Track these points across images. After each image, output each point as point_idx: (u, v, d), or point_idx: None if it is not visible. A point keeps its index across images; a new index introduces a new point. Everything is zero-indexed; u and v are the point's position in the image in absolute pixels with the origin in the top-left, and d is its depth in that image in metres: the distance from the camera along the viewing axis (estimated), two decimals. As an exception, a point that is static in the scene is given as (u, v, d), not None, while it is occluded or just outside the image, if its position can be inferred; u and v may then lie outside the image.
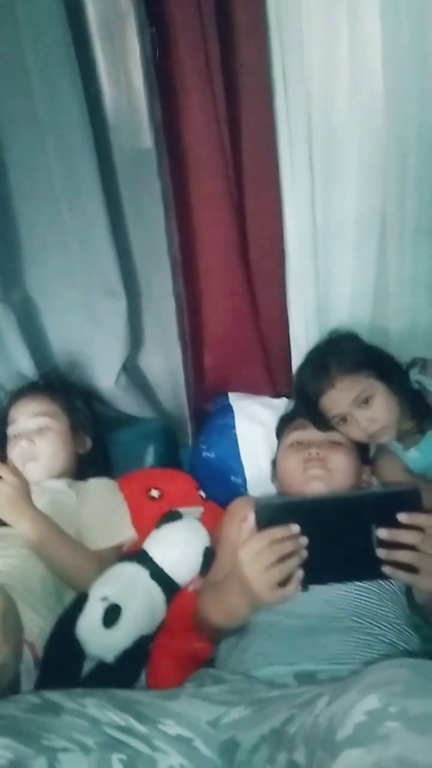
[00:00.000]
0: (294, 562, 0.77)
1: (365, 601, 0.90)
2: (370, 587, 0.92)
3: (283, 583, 0.77)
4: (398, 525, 0.76)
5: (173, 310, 1.34)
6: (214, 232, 1.29)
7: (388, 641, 0.87)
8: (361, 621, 0.87)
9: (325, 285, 1.39)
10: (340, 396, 1.10)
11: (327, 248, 1.36)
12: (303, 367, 1.21)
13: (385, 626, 0.88)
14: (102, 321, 1.35)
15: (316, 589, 0.89)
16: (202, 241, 1.32)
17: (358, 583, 0.92)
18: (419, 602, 0.94)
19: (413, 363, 1.19)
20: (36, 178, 1.28)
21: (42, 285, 1.40)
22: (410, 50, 1.15)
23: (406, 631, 0.90)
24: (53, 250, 1.34)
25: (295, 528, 0.77)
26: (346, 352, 1.14)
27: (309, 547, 0.77)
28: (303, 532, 0.77)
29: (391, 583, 0.96)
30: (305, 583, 0.78)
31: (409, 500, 0.76)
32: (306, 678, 0.79)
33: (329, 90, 1.22)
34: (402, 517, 0.75)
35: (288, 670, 0.82)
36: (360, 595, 0.91)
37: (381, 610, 0.90)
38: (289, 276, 1.36)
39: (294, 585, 0.77)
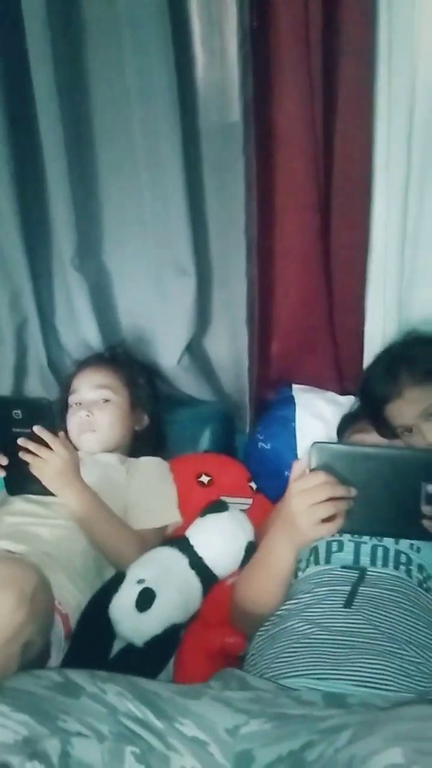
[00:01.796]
0: (341, 504, 0.77)
1: (411, 626, 0.85)
2: (419, 613, 0.86)
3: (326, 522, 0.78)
4: None
5: (244, 292, 1.29)
6: (296, 215, 1.23)
7: (429, 672, 0.81)
8: (403, 647, 0.81)
9: (410, 281, 1.30)
10: (407, 407, 1.02)
11: (417, 242, 1.26)
12: (372, 368, 1.14)
13: (427, 655, 0.82)
14: (171, 298, 1.32)
15: (360, 606, 0.86)
16: (282, 223, 1.25)
17: (405, 608, 0.86)
18: None
19: None
20: (119, 147, 1.27)
21: (117, 257, 1.39)
22: None
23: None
24: (130, 223, 1.33)
25: (347, 475, 0.78)
26: (419, 359, 1.06)
27: (358, 496, 0.78)
28: (354, 480, 0.78)
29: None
30: (347, 529, 0.80)
31: None
32: (335, 701, 0.74)
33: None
34: None
35: (316, 684, 0.78)
36: (406, 619, 0.85)
37: (426, 638, 0.84)
38: (372, 268, 1.28)
39: (337, 523, 0.78)
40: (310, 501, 0.78)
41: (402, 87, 1.13)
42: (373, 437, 1.11)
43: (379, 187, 1.20)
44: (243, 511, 1.15)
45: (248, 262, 1.26)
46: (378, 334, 1.33)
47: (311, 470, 0.79)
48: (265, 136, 1.19)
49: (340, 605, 0.86)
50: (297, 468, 0.82)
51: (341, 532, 0.80)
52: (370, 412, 1.10)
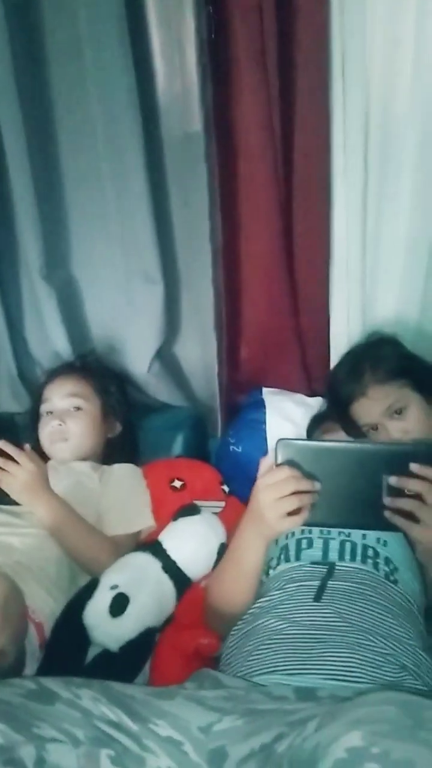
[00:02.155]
0: (306, 498, 0.80)
1: (379, 618, 0.87)
2: (386, 605, 0.89)
3: (292, 515, 0.81)
4: (410, 476, 0.80)
5: (211, 298, 1.32)
6: (259, 221, 1.26)
7: (398, 663, 0.83)
8: (371, 639, 0.83)
9: (372, 283, 1.34)
10: (371, 405, 1.05)
11: (377, 245, 1.30)
12: (337, 369, 1.17)
13: (396, 647, 0.84)
14: (139, 306, 1.34)
15: (329, 600, 0.88)
16: (245, 229, 1.28)
17: (373, 600, 0.88)
18: (421, 560, 0.92)
19: None
20: (83, 158, 1.29)
21: (85, 267, 1.40)
22: None
23: (418, 654, 0.86)
24: (96, 233, 1.34)
25: (312, 470, 0.81)
26: (382, 359, 1.09)
27: (322, 489, 0.81)
28: (318, 474, 0.81)
29: (409, 602, 0.93)
30: (312, 522, 0.82)
31: (425, 457, 0.80)
32: (306, 695, 0.76)
33: (389, 82, 1.16)
34: (414, 466, 0.80)
35: (288, 680, 0.80)
36: (374, 611, 0.87)
37: (395, 630, 0.86)
38: (334, 272, 1.31)
39: (302, 516, 0.80)
40: (276, 495, 0.81)
41: (356, 93, 1.16)
42: (340, 436, 1.13)
43: (338, 191, 1.23)
44: (216, 513, 1.17)
45: (214, 268, 1.29)
46: (343, 335, 1.36)
47: (277, 466, 0.82)
48: (226, 144, 1.22)
49: (310, 600, 0.88)
50: (264, 464, 0.85)
51: (307, 524, 0.83)
52: (336, 412, 1.13)
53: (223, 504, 1.23)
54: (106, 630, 0.91)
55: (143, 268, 1.29)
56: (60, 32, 1.19)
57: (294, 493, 0.80)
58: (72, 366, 1.36)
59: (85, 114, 1.22)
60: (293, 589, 0.91)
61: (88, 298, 1.43)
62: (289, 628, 0.86)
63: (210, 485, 1.27)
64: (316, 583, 0.90)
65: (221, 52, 1.15)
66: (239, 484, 1.29)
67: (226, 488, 1.28)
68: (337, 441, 0.97)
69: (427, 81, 1.14)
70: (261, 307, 1.36)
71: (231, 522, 1.13)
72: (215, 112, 1.18)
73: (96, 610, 0.93)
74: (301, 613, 0.87)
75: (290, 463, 0.82)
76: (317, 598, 0.88)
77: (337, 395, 1.12)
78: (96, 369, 1.35)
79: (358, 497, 0.82)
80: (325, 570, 0.93)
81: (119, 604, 0.92)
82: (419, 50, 1.12)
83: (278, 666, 0.82)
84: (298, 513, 0.81)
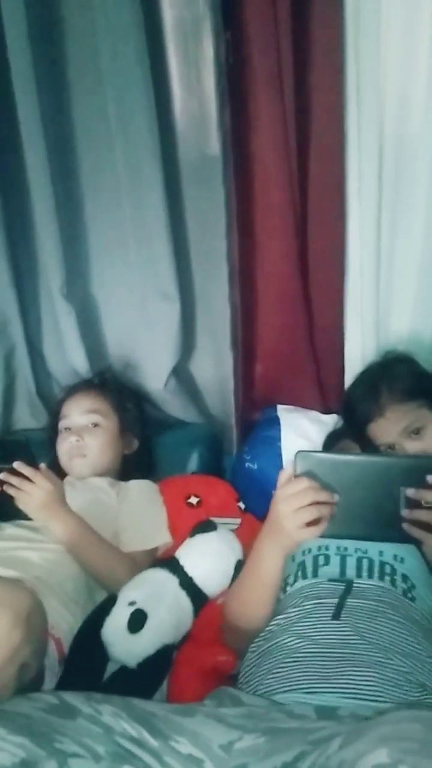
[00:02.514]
0: (325, 509, 0.82)
1: (398, 636, 0.86)
2: (405, 622, 0.88)
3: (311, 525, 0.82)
4: (427, 488, 0.81)
5: (228, 316, 1.33)
6: (275, 242, 1.28)
7: (418, 682, 0.83)
8: (391, 657, 0.83)
9: (386, 301, 1.35)
10: (388, 425, 1.06)
11: (391, 264, 1.32)
12: (353, 388, 1.18)
13: (415, 665, 0.84)
14: (156, 324, 1.36)
15: (347, 618, 0.88)
16: (261, 249, 1.30)
17: (392, 618, 0.88)
18: None
19: None
20: (103, 177, 1.31)
21: (103, 284, 1.42)
22: None
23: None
24: (115, 251, 1.37)
25: (330, 482, 0.83)
26: (398, 379, 1.09)
27: (340, 501, 0.82)
28: (337, 486, 0.82)
29: (427, 620, 0.92)
30: (331, 533, 0.84)
31: None
32: (327, 713, 0.76)
33: (404, 103, 1.18)
34: (430, 478, 0.80)
35: (308, 699, 0.80)
36: (393, 629, 0.87)
37: (414, 647, 0.86)
38: (349, 290, 1.32)
39: (321, 526, 0.82)
40: (295, 505, 0.82)
41: (371, 115, 1.18)
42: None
43: (352, 211, 1.25)
44: (232, 530, 1.17)
45: (231, 287, 1.31)
46: (358, 353, 1.37)
47: (295, 477, 0.83)
48: (243, 167, 1.25)
49: (328, 618, 0.88)
50: (283, 476, 0.86)
51: (325, 536, 0.84)
52: (352, 431, 1.14)
53: (239, 521, 1.23)
54: (125, 646, 0.92)
55: (160, 286, 1.31)
56: (81, 57, 1.22)
57: (312, 504, 0.82)
58: (90, 383, 1.38)
59: (105, 137, 1.25)
60: (311, 606, 0.91)
61: (106, 316, 1.45)
62: (308, 646, 0.86)
63: (226, 502, 1.27)
64: (335, 600, 0.90)
65: (238, 77, 1.18)
66: (255, 500, 1.30)
67: (242, 505, 1.28)
68: (355, 454, 0.98)
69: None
70: (276, 326, 1.37)
71: (247, 539, 1.14)
72: (233, 135, 1.21)
73: (114, 627, 0.93)
74: (320, 631, 0.87)
75: (309, 474, 0.83)
76: (336, 615, 0.88)
77: (354, 414, 1.13)
78: (113, 386, 1.36)
79: (375, 509, 0.83)
80: (342, 587, 0.93)
81: (137, 621, 0.92)
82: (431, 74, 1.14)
83: (298, 684, 0.82)
84: (316, 524, 0.83)
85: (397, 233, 1.29)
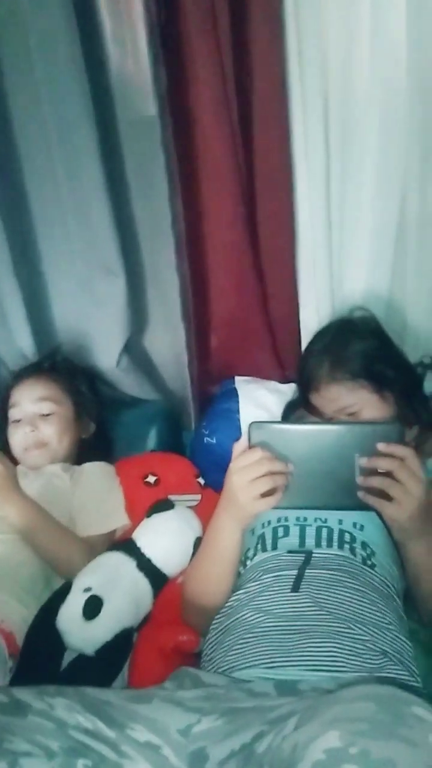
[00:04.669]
0: (279, 479, 0.81)
1: (358, 605, 0.85)
2: (365, 591, 0.87)
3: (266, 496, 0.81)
4: (380, 455, 0.80)
5: (177, 288, 1.29)
6: (222, 207, 1.23)
7: (379, 649, 0.82)
8: (351, 626, 0.82)
9: (339, 265, 1.32)
10: (324, 402, 1.03)
11: (342, 227, 1.28)
12: (305, 353, 1.14)
13: (376, 634, 0.83)
14: (102, 300, 1.30)
15: (307, 589, 0.86)
16: (208, 216, 1.25)
17: (351, 586, 0.87)
18: (396, 540, 0.90)
19: (429, 365, 1.11)
20: (36, 145, 1.23)
21: (49, 262, 1.36)
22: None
23: (398, 638, 0.85)
24: (56, 226, 1.30)
25: (285, 452, 0.81)
26: (345, 354, 1.03)
27: (295, 470, 0.81)
28: (291, 455, 0.81)
29: (387, 587, 0.91)
30: (286, 503, 0.82)
31: (392, 434, 0.81)
32: (287, 689, 0.74)
33: (348, 57, 1.13)
34: (381, 446, 0.80)
35: (269, 674, 0.78)
36: (352, 597, 0.86)
37: (374, 616, 0.85)
38: (301, 255, 1.29)
39: (276, 497, 0.81)
40: (249, 477, 0.81)
41: (314, 76, 1.13)
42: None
43: (300, 175, 1.21)
44: (192, 507, 1.15)
45: (178, 257, 1.26)
46: (313, 319, 1.34)
47: (249, 448, 0.82)
48: (184, 128, 1.19)
49: (288, 590, 0.87)
50: (237, 448, 0.84)
51: (282, 507, 0.83)
52: (301, 399, 1.11)
53: (199, 497, 1.21)
54: (81, 634, 0.89)
55: (103, 261, 1.25)
56: (4, 22, 1.13)
57: (267, 475, 0.80)
58: (40, 367, 1.31)
59: (33, 101, 1.17)
60: (270, 579, 0.89)
61: (54, 294, 1.39)
62: (267, 620, 0.84)
63: (185, 478, 1.24)
64: (294, 572, 0.89)
65: (174, 34, 1.11)
66: (215, 475, 1.26)
67: (201, 481, 1.25)
68: (308, 422, 0.96)
69: (385, 63, 1.11)
70: (228, 295, 1.33)
71: (208, 515, 1.10)
72: (171, 95, 1.15)
73: (69, 615, 0.90)
74: (279, 604, 0.85)
75: (263, 445, 0.82)
76: (295, 587, 0.87)
77: (302, 382, 1.10)
78: (65, 369, 1.30)
79: (331, 478, 0.82)
80: (302, 558, 0.91)
81: (93, 607, 0.89)
82: (376, 31, 1.09)
83: (258, 660, 0.80)
84: (271, 494, 0.81)
85: (346, 195, 1.25)
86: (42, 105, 1.16)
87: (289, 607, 0.84)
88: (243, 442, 0.84)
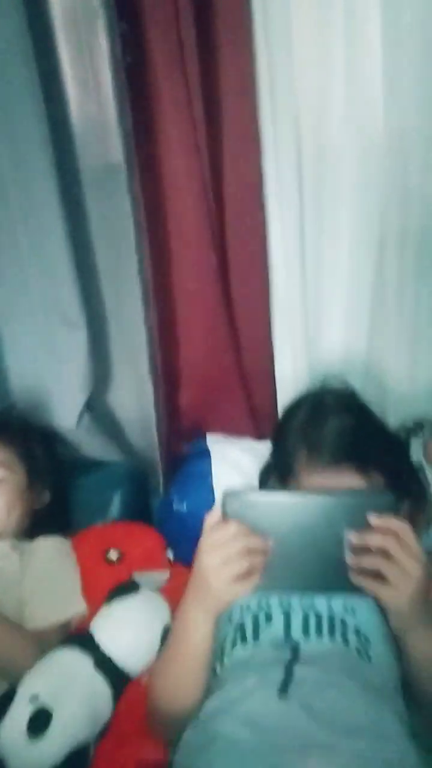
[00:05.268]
0: (257, 558, 0.70)
1: (356, 710, 0.73)
2: (362, 692, 0.75)
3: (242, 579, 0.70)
4: (371, 530, 0.70)
5: (144, 340, 1.19)
6: (191, 254, 1.15)
7: (382, 759, 0.69)
8: (348, 740, 0.69)
9: (316, 316, 1.24)
10: (306, 485, 0.90)
11: (318, 275, 1.21)
12: (278, 435, 1.00)
13: (376, 744, 0.70)
14: (61, 354, 1.19)
15: (296, 694, 0.73)
16: (177, 264, 1.17)
17: (347, 688, 0.74)
18: (394, 629, 0.78)
19: (412, 429, 1.02)
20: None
21: (4, 312, 1.25)
22: (413, 54, 1.01)
23: (403, 746, 0.72)
24: (13, 276, 1.20)
25: (264, 527, 0.71)
26: (321, 438, 0.90)
27: (276, 548, 0.71)
28: (271, 530, 0.71)
29: (385, 680, 0.79)
30: (266, 587, 0.72)
31: (385, 504, 0.71)
32: None
33: (321, 97, 1.08)
34: (373, 518, 0.70)
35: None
36: (348, 702, 0.73)
37: (373, 722, 0.72)
38: (275, 305, 1.21)
39: (252, 579, 0.70)
40: (222, 555, 0.70)
41: (287, 118, 1.08)
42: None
43: (273, 221, 1.15)
44: (160, 587, 1.01)
45: (145, 306, 1.16)
46: (289, 372, 1.26)
47: (223, 521, 0.71)
48: (151, 174, 1.11)
49: (274, 696, 0.73)
50: (209, 521, 0.73)
51: (260, 590, 0.71)
52: (280, 479, 0.99)
53: (167, 574, 1.07)
54: (25, 755, 0.73)
55: (63, 311, 1.15)
56: None
57: (243, 553, 0.70)
58: None
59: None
60: (253, 682, 0.76)
61: (8, 346, 1.28)
62: (251, 737, 0.70)
63: (151, 552, 1.11)
64: (280, 672, 0.76)
65: (138, 75, 1.05)
66: (186, 547, 1.12)
67: (170, 554, 1.12)
68: (290, 493, 0.84)
69: (360, 110, 1.07)
70: (199, 346, 1.24)
71: (178, 595, 0.98)
72: (137, 140, 1.08)
73: (10, 733, 0.75)
74: (264, 714, 0.72)
75: (239, 517, 0.71)
76: (282, 692, 0.73)
77: (276, 466, 0.99)
78: (19, 430, 1.17)
79: (317, 556, 0.72)
80: (288, 654, 0.78)
81: (39, 722, 0.74)
82: (351, 77, 1.05)
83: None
84: (248, 577, 0.70)
85: (322, 243, 1.19)
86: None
87: (275, 719, 0.71)
88: (216, 514, 0.73)
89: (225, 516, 0.72)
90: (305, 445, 0.92)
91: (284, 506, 0.72)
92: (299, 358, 1.24)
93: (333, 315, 1.24)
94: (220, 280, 1.15)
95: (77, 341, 1.17)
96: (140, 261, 1.13)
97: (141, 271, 1.14)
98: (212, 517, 0.73)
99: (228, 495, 0.73)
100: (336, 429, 0.93)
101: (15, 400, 1.28)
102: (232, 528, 0.70)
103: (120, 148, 1.07)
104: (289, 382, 1.25)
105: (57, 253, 1.12)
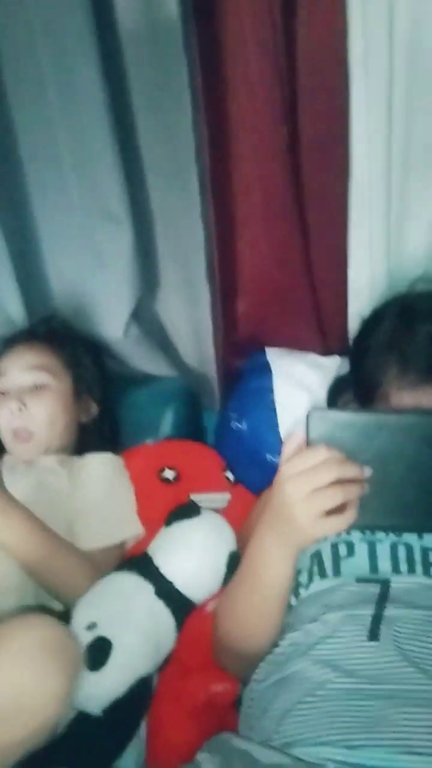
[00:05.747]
0: (353, 489, 0.59)
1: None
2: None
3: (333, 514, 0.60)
4: None
5: (201, 240, 1.04)
6: (257, 133, 0.97)
7: None
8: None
9: (399, 218, 1.06)
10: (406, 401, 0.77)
11: (406, 166, 1.02)
12: (358, 347, 0.86)
13: None
14: (104, 254, 1.06)
15: (388, 636, 0.64)
16: (239, 144, 0.99)
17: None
18: None
19: None
20: (24, 64, 0.98)
21: (41, 208, 1.11)
22: None
23: None
24: (47, 160, 1.05)
25: (357, 452, 0.60)
26: (414, 351, 0.76)
27: (373, 477, 0.60)
28: (367, 457, 0.60)
29: None
30: (362, 524, 0.61)
31: None
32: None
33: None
34: None
35: (346, 756, 0.57)
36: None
37: None
38: (353, 202, 1.04)
39: (348, 516, 0.59)
40: (309, 486, 0.59)
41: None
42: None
43: (357, 96, 0.95)
44: (220, 509, 0.93)
45: (203, 199, 1.01)
46: (364, 278, 1.09)
47: (308, 445, 0.61)
48: (211, 33, 0.93)
49: (363, 637, 0.65)
50: (290, 444, 0.63)
51: (355, 528, 0.61)
52: (360, 394, 0.86)
53: (228, 496, 0.98)
54: (84, 690, 0.67)
55: (104, 204, 1.01)
56: None
57: (336, 484, 0.59)
58: (34, 332, 1.09)
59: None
60: (337, 620, 0.67)
61: (47, 248, 1.15)
62: (338, 679, 0.62)
63: (210, 473, 1.02)
64: (368, 611, 0.66)
65: None
66: (245, 469, 1.05)
67: (230, 476, 1.03)
68: (387, 412, 0.72)
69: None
70: (261, 247, 1.08)
71: (240, 519, 0.89)
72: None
73: (68, 663, 0.68)
74: (354, 657, 0.64)
75: (327, 441, 0.60)
76: (373, 634, 0.64)
77: (362, 375, 0.84)
78: (65, 336, 1.08)
79: (422, 487, 0.61)
80: (377, 590, 0.69)
81: (99, 653, 0.67)
82: None
83: (330, 735, 0.59)
84: (341, 511, 0.59)
85: (412, 128, 0.99)
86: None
87: (368, 662, 0.62)
88: (298, 435, 0.62)
89: (309, 438, 0.61)
90: (394, 357, 0.79)
91: (384, 427, 0.61)
92: (377, 263, 1.07)
93: (419, 213, 1.06)
94: (289, 163, 0.98)
95: (121, 239, 1.03)
96: (197, 143, 0.97)
97: (198, 155, 0.97)
98: (293, 440, 0.62)
99: (314, 413, 0.61)
100: (428, 337, 0.79)
101: (55, 306, 1.16)
102: (321, 453, 0.59)
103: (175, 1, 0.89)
104: (364, 291, 1.09)
105: (94, 133, 0.96)
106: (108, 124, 0.96)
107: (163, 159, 1.01)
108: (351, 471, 0.59)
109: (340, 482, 0.59)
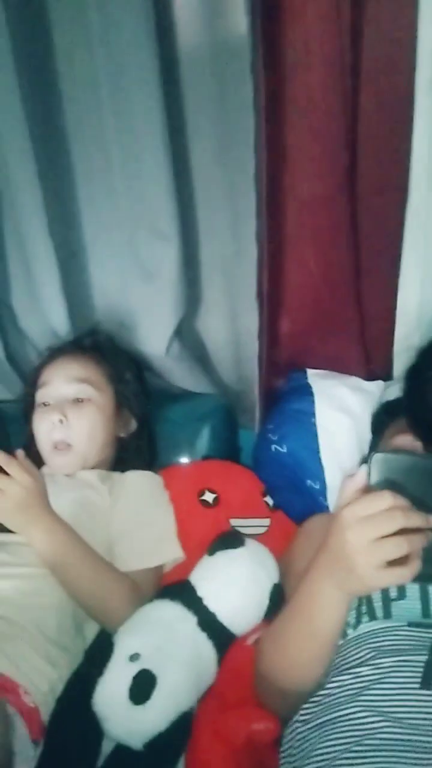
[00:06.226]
0: (417, 539, 0.56)
1: None
2: None
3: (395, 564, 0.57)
4: None
5: (254, 260, 1.02)
6: (316, 151, 0.95)
7: None
8: None
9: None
10: None
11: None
12: (417, 380, 0.84)
13: None
14: (150, 269, 1.05)
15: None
16: (296, 162, 0.97)
17: None
18: None
19: None
20: (82, 84, 0.97)
21: (91, 223, 1.11)
22: None
23: None
24: (99, 180, 1.04)
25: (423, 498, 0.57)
26: None
27: None
28: (430, 504, 0.57)
29: None
30: (426, 576, 0.57)
31: None
32: None
33: None
34: None
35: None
36: None
37: None
38: (408, 223, 1.01)
39: (412, 567, 0.56)
40: (373, 534, 0.56)
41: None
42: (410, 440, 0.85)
43: (420, 112, 0.93)
44: (258, 534, 0.91)
45: (258, 223, 0.99)
46: (413, 301, 1.06)
47: (370, 489, 0.59)
48: (275, 52, 0.91)
49: (416, 685, 0.62)
50: (350, 485, 0.61)
51: (417, 580, 0.57)
52: (416, 422, 0.83)
53: (268, 522, 0.96)
54: (127, 723, 0.66)
55: (153, 221, 1.00)
56: None
57: (398, 532, 0.56)
58: (79, 345, 1.08)
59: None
60: (389, 665, 0.65)
61: (94, 263, 1.14)
62: (389, 728, 0.60)
63: (250, 497, 1.00)
64: (421, 657, 0.64)
65: None
66: (286, 493, 1.03)
67: (269, 501, 1.01)
68: None
69: None
70: (308, 266, 1.06)
71: (280, 547, 0.87)
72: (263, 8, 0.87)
73: (111, 696, 0.67)
74: (405, 705, 0.61)
75: (390, 486, 0.58)
76: (426, 682, 0.62)
77: (416, 417, 0.82)
78: (109, 350, 1.07)
79: None
80: (430, 636, 0.66)
81: (143, 687, 0.66)
82: None
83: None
84: (403, 562, 0.56)
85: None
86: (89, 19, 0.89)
87: (421, 712, 0.60)
88: (359, 477, 0.60)
89: (371, 482, 0.59)
90: None
91: None
92: (428, 287, 1.05)
93: None
94: (346, 186, 0.96)
95: (168, 256, 1.02)
96: (257, 160, 0.95)
97: (257, 172, 0.95)
98: (355, 482, 0.60)
99: (377, 456, 0.59)
100: None
101: (98, 320, 1.15)
102: (387, 499, 0.56)
103: (245, 17, 0.87)
104: (412, 315, 1.07)
105: (149, 152, 0.95)
106: (163, 144, 0.95)
107: (218, 180, 1.00)
108: (416, 520, 0.56)
109: (403, 531, 0.57)
